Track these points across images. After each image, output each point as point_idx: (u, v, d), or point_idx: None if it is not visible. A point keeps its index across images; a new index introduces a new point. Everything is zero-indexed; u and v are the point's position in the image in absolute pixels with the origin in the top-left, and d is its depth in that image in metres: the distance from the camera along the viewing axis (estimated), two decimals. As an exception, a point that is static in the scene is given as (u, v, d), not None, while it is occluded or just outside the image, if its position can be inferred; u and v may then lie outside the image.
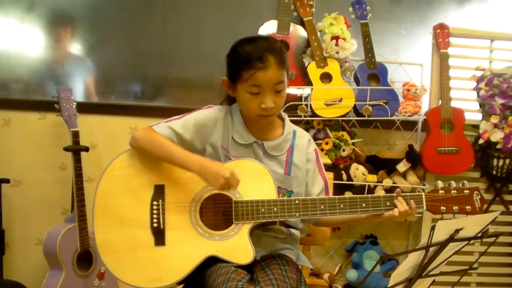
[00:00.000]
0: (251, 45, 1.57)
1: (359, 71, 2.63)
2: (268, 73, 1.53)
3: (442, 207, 1.56)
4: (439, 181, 1.59)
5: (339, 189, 2.51)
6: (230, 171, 1.49)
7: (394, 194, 1.57)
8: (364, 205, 1.56)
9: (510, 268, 2.89)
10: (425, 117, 2.67)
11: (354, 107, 2.58)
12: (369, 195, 1.58)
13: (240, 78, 1.56)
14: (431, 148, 2.62)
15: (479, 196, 1.58)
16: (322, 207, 1.56)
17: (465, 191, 1.57)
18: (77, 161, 2.38)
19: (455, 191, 1.57)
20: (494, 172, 2.71)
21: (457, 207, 1.56)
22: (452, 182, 1.58)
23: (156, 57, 2.76)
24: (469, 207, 1.56)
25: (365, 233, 2.86)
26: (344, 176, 2.56)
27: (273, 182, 1.57)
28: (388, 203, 1.57)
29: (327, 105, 2.54)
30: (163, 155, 1.56)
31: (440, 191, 1.57)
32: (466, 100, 2.77)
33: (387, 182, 2.62)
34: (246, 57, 1.54)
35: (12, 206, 2.62)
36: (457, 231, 1.36)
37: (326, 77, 2.59)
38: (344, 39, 2.58)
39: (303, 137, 1.74)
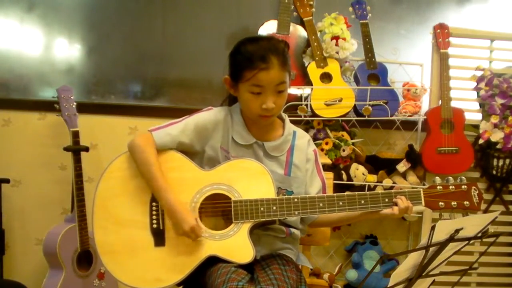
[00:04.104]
0: (254, 44, 1.57)
1: (359, 71, 2.63)
2: (270, 74, 1.53)
3: (440, 203, 1.57)
4: (437, 177, 1.59)
5: (339, 189, 2.50)
6: (190, 226, 1.49)
7: (393, 191, 1.58)
8: (362, 202, 1.57)
9: (510, 268, 2.89)
10: (425, 117, 2.67)
11: (354, 107, 2.58)
12: (368, 192, 1.58)
13: (242, 77, 1.56)
14: (431, 148, 2.62)
15: (477, 192, 1.58)
16: (321, 205, 1.56)
17: (463, 186, 1.58)
18: (77, 161, 2.38)
19: (453, 187, 1.58)
20: (494, 172, 2.71)
21: (455, 203, 1.57)
22: (450, 178, 1.58)
23: (156, 57, 2.76)
24: (467, 203, 1.57)
25: (365, 233, 2.86)
26: (344, 176, 2.56)
27: (272, 181, 1.57)
28: (386, 200, 1.57)
29: (327, 105, 2.54)
30: (146, 176, 1.57)
31: (438, 187, 1.58)
32: (466, 100, 2.77)
33: (387, 182, 2.62)
34: (248, 56, 1.54)
35: (12, 206, 2.62)
36: (457, 231, 1.36)
37: (326, 77, 2.59)
38: (344, 39, 2.58)
39: (303, 138, 1.74)
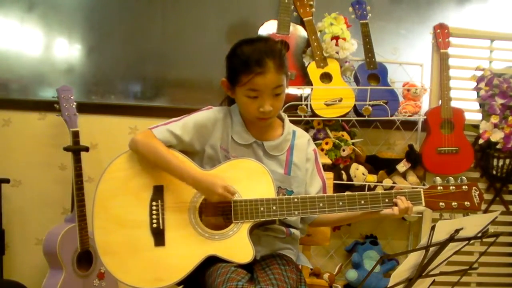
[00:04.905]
0: (250, 47, 1.56)
1: (359, 71, 2.63)
2: (266, 78, 1.53)
3: (441, 203, 1.56)
4: (438, 178, 1.59)
5: (339, 189, 2.50)
6: (222, 187, 1.50)
7: (393, 191, 1.58)
8: (362, 202, 1.57)
9: (510, 268, 2.89)
10: (425, 117, 2.67)
11: (354, 107, 2.58)
12: (368, 192, 1.58)
13: (239, 81, 1.56)
14: (431, 148, 2.62)
15: (478, 192, 1.58)
16: (321, 204, 1.56)
17: (464, 187, 1.58)
18: (77, 161, 2.38)
19: (454, 187, 1.57)
20: (494, 172, 2.71)
21: (456, 203, 1.57)
22: (451, 178, 1.58)
23: (156, 57, 2.76)
24: (468, 203, 1.57)
25: (365, 233, 2.86)
26: (344, 176, 2.56)
27: (272, 181, 1.57)
28: (386, 200, 1.57)
29: (327, 105, 2.54)
30: (160, 163, 1.57)
31: (439, 187, 1.58)
32: (466, 100, 2.77)
33: (387, 182, 2.62)
34: (244, 60, 1.53)
35: (12, 206, 2.62)
36: (457, 231, 1.36)
37: (326, 77, 2.59)
38: (344, 39, 2.58)
39: (303, 137, 1.74)
